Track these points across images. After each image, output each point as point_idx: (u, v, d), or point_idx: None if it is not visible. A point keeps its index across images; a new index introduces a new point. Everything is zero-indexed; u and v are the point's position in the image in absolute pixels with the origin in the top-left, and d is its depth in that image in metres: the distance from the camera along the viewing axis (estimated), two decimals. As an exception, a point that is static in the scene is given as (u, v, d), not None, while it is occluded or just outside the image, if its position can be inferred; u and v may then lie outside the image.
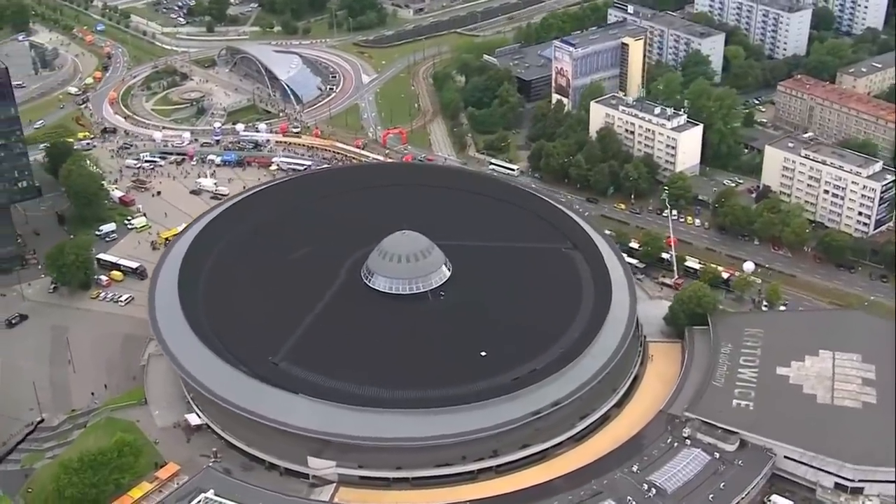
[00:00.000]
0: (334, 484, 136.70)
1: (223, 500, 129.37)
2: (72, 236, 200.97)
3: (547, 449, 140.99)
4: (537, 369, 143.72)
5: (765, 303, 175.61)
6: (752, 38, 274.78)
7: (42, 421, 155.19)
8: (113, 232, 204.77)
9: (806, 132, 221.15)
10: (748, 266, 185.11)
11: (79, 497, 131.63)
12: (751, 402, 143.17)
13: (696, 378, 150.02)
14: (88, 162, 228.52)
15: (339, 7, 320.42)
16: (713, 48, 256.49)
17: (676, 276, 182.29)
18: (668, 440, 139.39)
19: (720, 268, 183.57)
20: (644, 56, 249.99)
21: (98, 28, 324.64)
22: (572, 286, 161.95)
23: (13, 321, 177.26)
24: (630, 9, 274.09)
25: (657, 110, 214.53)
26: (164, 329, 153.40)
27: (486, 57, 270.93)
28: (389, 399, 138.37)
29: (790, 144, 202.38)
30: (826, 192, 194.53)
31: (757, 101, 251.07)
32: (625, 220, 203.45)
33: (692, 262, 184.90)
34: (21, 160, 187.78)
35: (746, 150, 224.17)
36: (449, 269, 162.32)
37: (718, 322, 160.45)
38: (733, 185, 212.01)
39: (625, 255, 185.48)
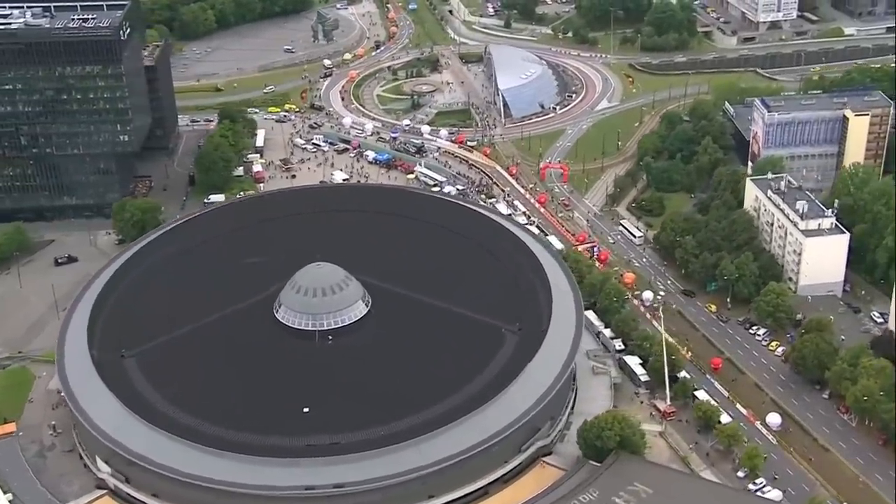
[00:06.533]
0: (103, 493, 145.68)
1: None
2: (184, 198, 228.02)
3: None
4: (339, 443, 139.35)
5: (743, 468, 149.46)
6: None
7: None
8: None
9: None
10: (772, 419, 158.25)
11: None
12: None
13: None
14: (260, 132, 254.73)
15: (647, 22, 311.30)
16: None
17: (668, 404, 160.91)
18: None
19: (744, 411, 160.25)
20: (883, 136, 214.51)
21: (410, 7, 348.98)
22: (471, 373, 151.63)
23: (59, 261, 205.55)
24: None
25: (800, 203, 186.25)
26: (80, 305, 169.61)
27: (726, 104, 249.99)
28: (176, 425, 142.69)
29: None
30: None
31: None
32: (699, 327, 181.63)
33: (702, 393, 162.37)
34: (124, 116, 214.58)
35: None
36: (363, 311, 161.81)
37: (615, 464, 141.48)
38: (879, 321, 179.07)
39: (640, 363, 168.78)
